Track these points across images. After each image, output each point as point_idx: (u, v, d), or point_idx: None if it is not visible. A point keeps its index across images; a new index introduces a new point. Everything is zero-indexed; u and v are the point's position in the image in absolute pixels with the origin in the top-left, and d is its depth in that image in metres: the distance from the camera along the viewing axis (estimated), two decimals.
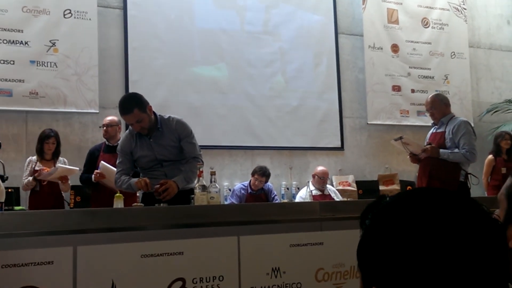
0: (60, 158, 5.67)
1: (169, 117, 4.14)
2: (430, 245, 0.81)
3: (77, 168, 5.54)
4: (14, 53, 6.27)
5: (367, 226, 0.91)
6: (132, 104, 3.90)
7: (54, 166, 5.54)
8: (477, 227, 0.84)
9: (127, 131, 4.24)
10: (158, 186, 3.78)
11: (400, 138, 5.24)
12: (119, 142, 4.31)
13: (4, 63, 6.22)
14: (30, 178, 5.43)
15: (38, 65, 6.37)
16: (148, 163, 4.08)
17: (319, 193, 6.75)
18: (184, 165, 4.08)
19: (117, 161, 4.20)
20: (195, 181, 3.88)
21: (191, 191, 3.94)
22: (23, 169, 5.63)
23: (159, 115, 4.12)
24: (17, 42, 6.31)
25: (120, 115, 4.00)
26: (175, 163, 4.09)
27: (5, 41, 6.25)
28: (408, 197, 0.89)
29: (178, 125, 4.10)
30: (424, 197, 0.88)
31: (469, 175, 5.10)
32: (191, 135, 4.14)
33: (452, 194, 0.88)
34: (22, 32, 6.34)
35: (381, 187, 7.54)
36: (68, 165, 5.65)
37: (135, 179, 4.00)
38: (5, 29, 6.26)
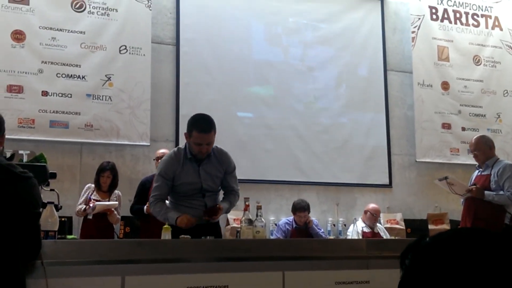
0: (115, 191, 5.82)
1: (216, 147, 4.06)
2: (471, 286, 0.81)
3: (115, 203, 5.68)
4: (71, 87, 6.53)
5: (407, 267, 0.91)
6: (213, 124, 3.86)
7: (109, 197, 5.72)
8: None
9: (171, 154, 4.04)
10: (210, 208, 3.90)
11: (445, 178, 5.23)
12: (160, 166, 4.07)
13: (62, 96, 6.47)
14: (83, 207, 5.59)
15: (94, 98, 6.61)
16: (191, 191, 3.96)
17: (369, 230, 6.69)
18: (228, 195, 4.13)
19: (155, 184, 4.01)
20: (242, 216, 3.92)
21: (217, 224, 4.12)
22: (77, 199, 5.80)
23: None
24: (75, 76, 6.57)
25: (198, 131, 3.82)
26: (214, 194, 4.08)
27: (63, 75, 6.52)
28: (449, 237, 0.89)
29: (226, 157, 4.07)
30: (465, 238, 0.88)
31: None
32: (235, 168, 4.15)
33: (494, 235, 0.88)
34: (80, 67, 6.60)
35: (431, 226, 7.38)
36: (121, 196, 5.83)
37: (174, 213, 3.87)
38: (64, 64, 6.54)
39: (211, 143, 3.89)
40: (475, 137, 5.48)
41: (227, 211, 4.18)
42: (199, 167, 3.96)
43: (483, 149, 5.24)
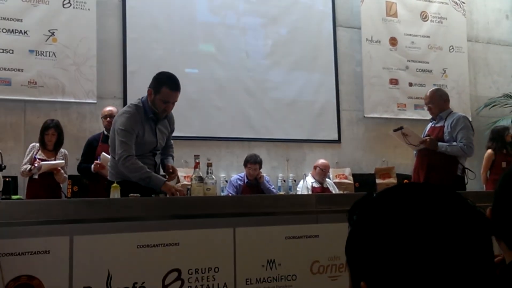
0: (61, 150, 5.70)
1: None
2: (415, 239, 0.83)
3: (61, 162, 5.56)
4: (13, 42, 6.27)
5: (355, 222, 0.93)
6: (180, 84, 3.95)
7: (55, 156, 5.59)
8: (462, 220, 0.86)
9: (133, 111, 3.88)
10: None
11: (401, 128, 5.25)
12: (124, 121, 3.85)
13: (3, 52, 6.21)
14: (28, 167, 5.45)
15: (37, 54, 6.37)
16: (146, 150, 3.93)
17: (318, 185, 6.80)
18: (168, 149, 4.22)
19: (123, 139, 3.78)
20: (192, 173, 3.91)
21: None
22: (21, 158, 5.65)
23: None
24: (16, 31, 6.31)
25: (169, 89, 3.84)
26: (159, 153, 4.13)
27: (4, 30, 6.24)
28: (394, 192, 0.91)
29: (172, 117, 4.17)
30: (409, 193, 0.90)
31: (466, 170, 5.15)
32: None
33: (436, 188, 0.90)
34: (21, 21, 6.33)
35: (378, 180, 7.56)
36: (68, 155, 5.71)
37: (162, 177, 3.84)
38: (4, 18, 6.25)
39: (175, 102, 3.94)
40: (430, 90, 5.48)
41: None
42: (155, 126, 3.98)
43: (437, 102, 5.25)
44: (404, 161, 7.73)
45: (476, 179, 5.93)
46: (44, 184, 5.46)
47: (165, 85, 3.85)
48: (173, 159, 4.24)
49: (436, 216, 0.85)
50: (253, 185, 6.54)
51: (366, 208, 0.91)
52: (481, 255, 0.86)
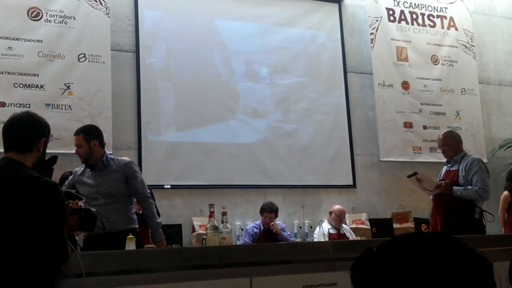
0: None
1: (119, 158, 4.58)
2: None
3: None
4: (30, 97, 6.39)
5: (357, 278, 0.93)
6: (82, 130, 4.51)
7: None
8: (462, 267, 0.87)
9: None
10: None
11: (415, 173, 5.21)
12: None
13: (20, 106, 6.32)
14: None
15: (53, 108, 6.48)
16: (88, 194, 4.22)
17: (335, 231, 6.73)
18: (141, 203, 4.43)
19: None
20: (207, 223, 3.90)
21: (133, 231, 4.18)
22: None
23: (112, 156, 4.60)
24: (33, 86, 6.44)
25: None
26: (115, 198, 4.33)
27: (21, 85, 6.37)
28: (392, 246, 0.93)
29: (125, 165, 4.44)
30: (406, 245, 0.92)
31: (484, 213, 5.06)
32: (135, 174, 4.44)
33: (434, 237, 0.92)
34: (38, 76, 6.47)
35: (395, 225, 7.47)
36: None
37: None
38: (21, 74, 6.39)
39: (81, 147, 4.41)
40: (442, 132, 5.45)
41: (154, 223, 4.31)
42: (95, 173, 4.39)
43: (451, 144, 5.21)
44: (421, 205, 7.64)
45: (495, 222, 5.84)
46: None
47: None
48: (150, 218, 4.31)
49: (436, 266, 0.86)
50: (270, 232, 6.48)
51: (367, 264, 0.92)
52: None
